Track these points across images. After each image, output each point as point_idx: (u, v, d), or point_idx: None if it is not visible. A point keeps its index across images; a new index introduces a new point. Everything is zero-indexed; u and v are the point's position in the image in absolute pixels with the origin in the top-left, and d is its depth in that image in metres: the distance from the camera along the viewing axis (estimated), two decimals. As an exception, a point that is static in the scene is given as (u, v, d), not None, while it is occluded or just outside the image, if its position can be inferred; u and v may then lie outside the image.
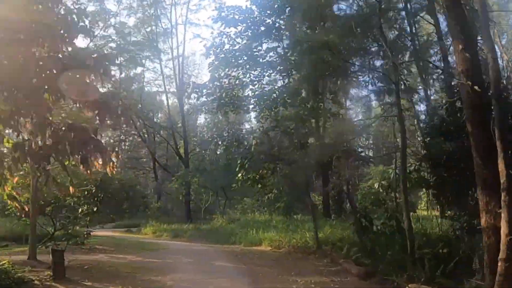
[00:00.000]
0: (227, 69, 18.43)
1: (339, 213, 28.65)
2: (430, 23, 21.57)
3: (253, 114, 28.69)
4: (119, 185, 33.01)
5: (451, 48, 15.77)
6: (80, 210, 19.07)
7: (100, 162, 9.05)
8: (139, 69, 44.48)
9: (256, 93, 19.82)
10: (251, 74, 18.61)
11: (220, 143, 41.93)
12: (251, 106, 20.51)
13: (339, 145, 16.16)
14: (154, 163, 46.25)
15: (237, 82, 18.76)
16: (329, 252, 16.33)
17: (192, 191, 39.04)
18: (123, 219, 43.37)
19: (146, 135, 46.55)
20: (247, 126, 49.20)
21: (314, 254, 16.76)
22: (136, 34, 41.64)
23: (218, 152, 49.25)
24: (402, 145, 12.71)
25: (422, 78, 19.87)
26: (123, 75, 43.23)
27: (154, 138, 47.80)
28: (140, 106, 41.69)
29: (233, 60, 17.99)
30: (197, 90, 18.34)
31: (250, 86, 19.20)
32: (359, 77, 17.07)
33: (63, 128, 8.89)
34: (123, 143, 61.05)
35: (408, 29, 19.77)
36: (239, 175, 18.44)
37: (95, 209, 19.48)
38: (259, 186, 18.65)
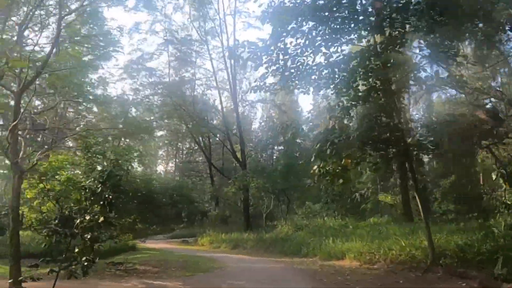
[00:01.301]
0: (293, 23, 13.01)
1: (425, 215, 22.53)
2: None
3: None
4: (169, 194, 29.28)
5: None
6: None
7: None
8: (189, 71, 40.21)
9: (331, 60, 14.40)
10: (329, 29, 13.16)
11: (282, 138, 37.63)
12: (323, 81, 15.07)
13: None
14: (210, 167, 42.02)
15: (307, 42, 13.33)
16: (452, 267, 10.73)
17: (251, 195, 33.94)
18: (181, 229, 40.02)
19: (201, 139, 42.18)
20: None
21: (430, 271, 11.18)
22: (183, 31, 37.61)
23: (274, 157, 44.94)
24: None
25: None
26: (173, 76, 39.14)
27: (209, 141, 43.35)
28: (193, 108, 37.29)
29: (302, 9, 12.62)
30: (254, 55, 13.05)
31: (323, 49, 13.76)
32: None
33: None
34: (180, 151, 57.86)
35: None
36: (315, 168, 12.96)
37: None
38: (341, 181, 13.14)
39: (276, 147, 47.96)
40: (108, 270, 14.14)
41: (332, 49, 14.67)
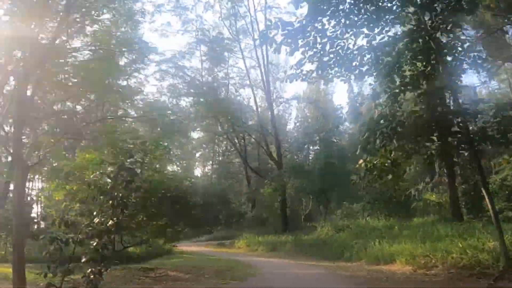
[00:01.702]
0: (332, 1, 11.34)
1: (475, 214, 20.27)
2: None
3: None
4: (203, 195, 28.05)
5: None
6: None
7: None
8: (222, 70, 39.08)
9: (374, 42, 12.77)
10: (372, 7, 11.44)
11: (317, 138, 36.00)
12: (365, 68, 13.39)
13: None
14: (246, 168, 40.72)
15: (347, 22, 11.64)
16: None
17: (288, 196, 32.31)
18: (218, 231, 38.91)
19: (236, 140, 40.94)
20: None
21: (503, 278, 9.31)
22: (215, 30, 36.79)
23: (310, 157, 43.35)
24: None
25: None
26: (206, 77, 38.07)
27: (245, 142, 42.07)
28: (227, 108, 36.10)
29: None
30: (288, 38, 11.46)
31: (365, 30, 12.07)
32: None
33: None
34: (216, 153, 57.00)
35: None
36: (360, 162, 11.24)
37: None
38: (390, 177, 11.39)
39: (311, 147, 46.67)
40: (137, 278, 12.92)
41: (375, 31, 12.98)
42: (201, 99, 36.86)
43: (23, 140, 9.60)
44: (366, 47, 13.51)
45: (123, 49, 31.81)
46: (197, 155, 61.41)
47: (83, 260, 6.07)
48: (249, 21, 35.41)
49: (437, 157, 11.84)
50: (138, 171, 11.66)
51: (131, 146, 16.64)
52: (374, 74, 13.99)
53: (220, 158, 55.50)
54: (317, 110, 45.77)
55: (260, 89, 39.76)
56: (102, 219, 6.12)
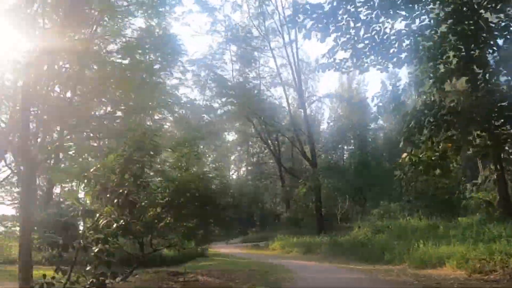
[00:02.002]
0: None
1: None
2: None
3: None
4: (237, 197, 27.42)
5: None
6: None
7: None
8: (253, 70, 38.21)
9: (414, 26, 11.53)
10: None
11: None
12: (404, 55, 12.15)
13: None
14: (280, 168, 39.60)
15: (382, 2, 10.40)
16: None
17: (323, 196, 30.96)
18: (253, 232, 38.43)
19: (269, 141, 39.98)
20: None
21: None
22: (244, 29, 35.98)
23: (345, 157, 42.03)
24: None
25: None
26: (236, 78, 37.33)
27: (278, 142, 41.05)
28: (259, 108, 35.21)
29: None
30: (319, 23, 10.35)
31: (403, 12, 10.81)
32: None
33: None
34: (250, 155, 56.25)
35: None
36: (404, 156, 9.93)
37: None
38: (438, 172, 10.03)
39: (346, 147, 45.32)
40: (166, 283, 12.09)
41: (414, 13, 11.68)
42: (233, 100, 36.33)
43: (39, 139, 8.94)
44: (404, 32, 12.20)
45: (157, 54, 31.83)
46: (232, 157, 61.23)
47: (88, 268, 5.18)
48: (277, 19, 34.42)
49: (494, 148, 10.35)
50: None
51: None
52: (415, 61, 12.66)
53: (254, 159, 54.65)
54: (350, 108, 44.38)
55: (291, 88, 38.61)
56: (106, 222, 5.21)
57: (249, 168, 56.21)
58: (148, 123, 32.91)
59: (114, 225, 5.11)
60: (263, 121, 37.00)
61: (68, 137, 14.18)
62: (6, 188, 35.91)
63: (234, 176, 61.15)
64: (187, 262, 19.69)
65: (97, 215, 5.19)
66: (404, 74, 59.47)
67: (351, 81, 54.46)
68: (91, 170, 5.50)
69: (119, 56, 25.03)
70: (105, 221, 5.20)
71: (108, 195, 5.35)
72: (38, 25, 11.38)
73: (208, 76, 36.44)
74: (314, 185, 29.45)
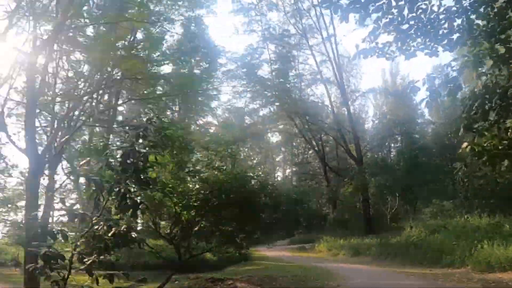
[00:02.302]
0: None
1: None
2: None
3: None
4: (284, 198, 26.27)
5: None
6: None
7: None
8: (292, 68, 36.95)
9: (465, 2, 9.72)
10: None
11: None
12: (455, 36, 10.36)
13: None
14: (324, 168, 38.11)
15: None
16: None
17: (371, 195, 29.14)
18: (299, 234, 37.65)
19: (313, 141, 38.56)
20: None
21: None
22: (280, 28, 35.18)
23: (392, 155, 39.91)
24: None
25: None
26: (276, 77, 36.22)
27: (321, 141, 39.55)
28: (301, 107, 33.95)
29: None
30: (356, 3, 9.00)
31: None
32: None
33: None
34: (295, 156, 55.12)
35: None
36: (464, 145, 8.37)
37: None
38: (506, 163, 8.41)
39: (392, 144, 43.15)
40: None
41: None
42: (274, 100, 35.43)
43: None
44: (454, 9, 10.48)
45: (197, 58, 31.61)
46: (277, 159, 60.49)
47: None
48: (313, 14, 33.00)
49: None
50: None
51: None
52: (468, 42, 10.89)
53: (299, 159, 53.41)
54: (395, 105, 42.24)
55: (333, 85, 36.93)
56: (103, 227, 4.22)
57: (294, 169, 55.09)
58: (194, 127, 33.09)
59: (112, 232, 4.11)
60: (306, 120, 35.67)
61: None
62: (63, 194, 37.13)
63: (279, 178, 60.55)
64: (229, 266, 18.79)
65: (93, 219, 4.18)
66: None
67: (395, 77, 52.23)
68: (81, 163, 4.51)
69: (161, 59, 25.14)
70: (102, 227, 4.20)
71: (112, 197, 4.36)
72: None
73: (247, 77, 35.62)
74: (360, 184, 27.73)
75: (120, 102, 31.03)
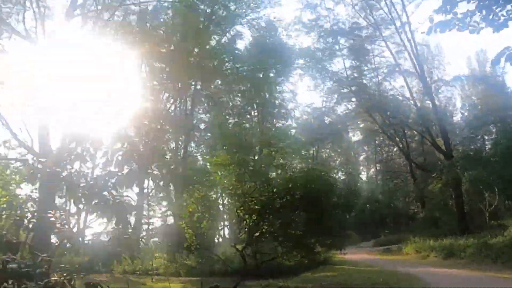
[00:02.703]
0: None
1: None
2: None
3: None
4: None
5: None
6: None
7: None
8: (366, 62, 34.86)
9: None
10: None
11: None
12: None
13: None
14: (410, 164, 35.52)
15: None
16: None
17: (464, 191, 25.99)
18: (386, 235, 35.62)
19: (396, 138, 36.01)
20: None
21: None
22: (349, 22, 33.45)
23: (487, 148, 35.87)
24: None
25: None
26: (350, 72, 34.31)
27: (406, 137, 36.69)
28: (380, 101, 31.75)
29: None
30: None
31: None
32: None
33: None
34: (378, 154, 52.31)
35: None
36: None
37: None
38: None
39: (486, 137, 38.99)
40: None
41: None
42: (351, 96, 33.59)
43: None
44: None
45: (272, 60, 31.13)
46: (360, 158, 58.22)
47: None
48: (383, 4, 30.44)
49: None
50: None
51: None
52: None
53: (383, 156, 50.51)
54: (486, 93, 38.11)
55: (414, 77, 33.83)
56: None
57: (378, 167, 52.19)
58: (273, 130, 32.73)
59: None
60: (386, 116, 33.28)
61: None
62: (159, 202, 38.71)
63: (364, 177, 57.94)
64: (306, 271, 17.37)
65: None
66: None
67: (483, 65, 47.14)
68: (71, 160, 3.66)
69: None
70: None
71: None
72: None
73: (322, 75, 34.18)
74: (451, 179, 24.78)
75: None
